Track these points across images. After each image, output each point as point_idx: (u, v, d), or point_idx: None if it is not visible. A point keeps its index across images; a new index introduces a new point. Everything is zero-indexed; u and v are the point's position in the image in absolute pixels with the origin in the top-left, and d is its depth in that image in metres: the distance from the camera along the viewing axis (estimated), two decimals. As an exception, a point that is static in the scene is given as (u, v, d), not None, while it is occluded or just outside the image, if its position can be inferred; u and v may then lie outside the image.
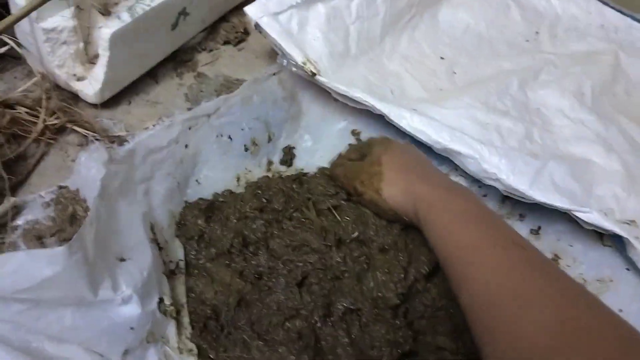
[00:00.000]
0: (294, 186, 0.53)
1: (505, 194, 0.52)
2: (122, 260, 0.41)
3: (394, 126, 0.56)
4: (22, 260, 0.35)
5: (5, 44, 0.50)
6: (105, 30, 0.49)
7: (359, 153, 0.55)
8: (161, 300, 0.43)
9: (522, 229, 0.55)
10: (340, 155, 0.57)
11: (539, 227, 0.55)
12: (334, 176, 0.54)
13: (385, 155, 0.51)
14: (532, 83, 0.64)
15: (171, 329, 0.44)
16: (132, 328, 0.40)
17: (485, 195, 0.56)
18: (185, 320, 0.46)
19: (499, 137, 0.56)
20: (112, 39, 0.50)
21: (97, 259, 0.38)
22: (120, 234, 0.41)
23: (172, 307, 0.44)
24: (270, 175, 0.56)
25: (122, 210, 0.42)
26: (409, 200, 0.47)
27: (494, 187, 0.53)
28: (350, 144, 0.59)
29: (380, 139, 0.56)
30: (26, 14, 0.45)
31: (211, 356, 0.43)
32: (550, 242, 0.54)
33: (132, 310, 0.39)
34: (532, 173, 0.52)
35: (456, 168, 0.56)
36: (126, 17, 0.51)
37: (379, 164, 0.51)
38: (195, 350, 0.43)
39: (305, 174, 0.56)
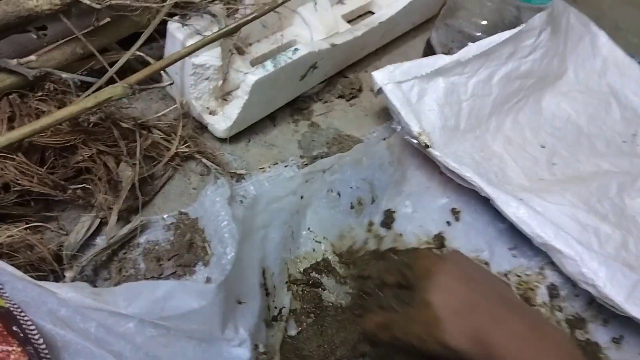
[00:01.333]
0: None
1: (598, 301, 0.53)
2: (240, 303, 0.43)
3: (494, 211, 0.57)
4: (173, 289, 0.37)
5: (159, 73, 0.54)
6: (251, 77, 0.53)
7: (395, 278, 0.45)
8: (256, 346, 0.45)
9: (604, 334, 0.55)
10: (367, 300, 0.47)
11: (621, 336, 0.55)
12: (369, 332, 0.45)
13: (433, 291, 0.41)
14: (630, 189, 0.65)
15: None
16: (239, 370, 0.42)
17: (577, 295, 0.57)
18: (276, 369, 0.47)
19: (597, 241, 0.57)
20: (254, 85, 0.53)
21: (227, 299, 0.40)
22: (241, 277, 0.44)
23: (264, 356, 0.46)
24: (371, 235, 0.58)
25: (245, 254, 0.45)
26: (480, 350, 0.37)
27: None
28: (380, 262, 0.52)
29: (420, 258, 0.46)
30: (192, 51, 0.49)
31: None
32: (632, 354, 0.54)
33: (243, 353, 0.41)
34: (629, 286, 0.52)
35: (551, 262, 0.57)
36: (270, 67, 0.54)
37: (429, 305, 0.40)
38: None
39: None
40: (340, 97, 0.68)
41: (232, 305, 0.42)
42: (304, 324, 0.49)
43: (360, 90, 0.70)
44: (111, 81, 0.48)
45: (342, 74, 0.70)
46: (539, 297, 0.57)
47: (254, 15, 0.51)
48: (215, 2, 0.54)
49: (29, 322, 0.37)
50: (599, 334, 0.56)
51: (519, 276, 0.58)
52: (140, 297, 0.37)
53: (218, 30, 0.50)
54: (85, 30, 0.52)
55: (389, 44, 0.76)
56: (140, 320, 0.38)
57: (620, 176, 0.67)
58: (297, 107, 0.65)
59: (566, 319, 0.57)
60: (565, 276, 0.56)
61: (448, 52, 0.65)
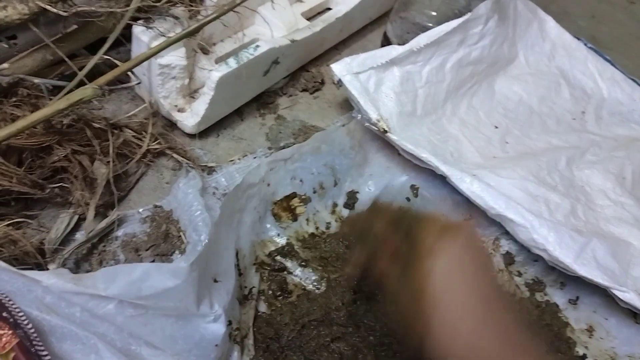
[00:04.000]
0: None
1: (550, 264, 0.57)
2: (216, 281, 0.46)
3: (451, 185, 0.61)
4: (149, 270, 0.40)
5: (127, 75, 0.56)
6: (215, 73, 0.56)
7: (394, 225, 0.41)
8: (230, 323, 0.48)
9: (561, 297, 0.60)
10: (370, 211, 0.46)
11: (577, 297, 0.60)
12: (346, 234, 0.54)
13: (440, 260, 0.36)
14: (579, 162, 0.70)
15: (234, 353, 0.48)
16: (216, 345, 0.45)
17: (536, 261, 0.61)
18: (249, 342, 0.50)
19: (547, 210, 0.61)
20: (219, 81, 0.56)
21: (202, 277, 0.43)
22: (219, 257, 0.47)
23: (237, 332, 0.49)
24: (335, 217, 0.61)
25: (223, 235, 0.48)
26: None
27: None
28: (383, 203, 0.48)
29: (430, 219, 0.40)
30: (157, 52, 0.52)
31: None
32: (587, 313, 0.59)
33: (219, 328, 0.44)
34: (577, 248, 0.56)
35: (506, 232, 0.61)
36: (233, 63, 0.57)
37: (426, 279, 0.35)
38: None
39: None
40: (304, 90, 0.72)
41: (209, 283, 0.45)
42: (273, 305, 0.52)
43: (322, 83, 0.73)
44: (82, 84, 0.51)
45: (304, 69, 0.73)
46: (496, 264, 0.61)
47: (213, 15, 0.55)
48: (177, 5, 0.57)
49: (17, 310, 0.40)
50: (557, 296, 0.60)
51: (475, 243, 0.62)
52: (118, 280, 0.40)
53: (180, 32, 0.53)
54: (54, 38, 0.54)
55: (349, 38, 0.79)
56: (119, 301, 0.41)
57: (570, 150, 0.71)
58: (263, 101, 0.68)
59: (525, 282, 0.61)
60: (520, 244, 0.60)
61: (403, 43, 0.68)
